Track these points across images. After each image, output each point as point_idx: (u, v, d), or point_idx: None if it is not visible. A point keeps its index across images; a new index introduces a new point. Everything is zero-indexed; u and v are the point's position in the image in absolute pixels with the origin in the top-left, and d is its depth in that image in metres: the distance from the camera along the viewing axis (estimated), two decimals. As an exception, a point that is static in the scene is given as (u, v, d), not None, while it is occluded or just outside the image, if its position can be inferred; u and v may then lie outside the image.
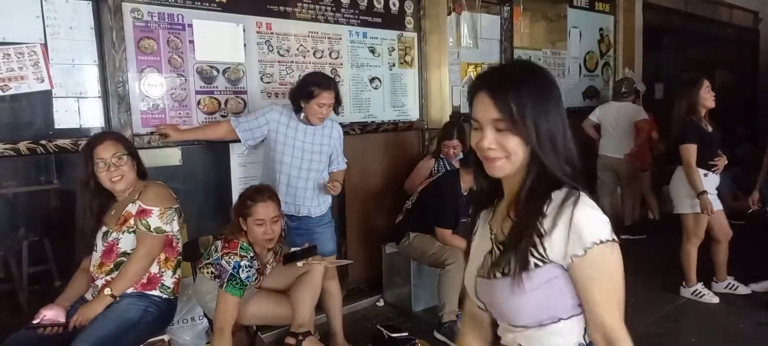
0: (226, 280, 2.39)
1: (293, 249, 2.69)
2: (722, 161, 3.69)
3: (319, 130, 3.03)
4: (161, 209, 2.39)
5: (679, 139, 3.68)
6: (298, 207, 3.03)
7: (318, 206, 3.09)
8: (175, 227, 2.46)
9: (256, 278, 2.48)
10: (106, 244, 2.38)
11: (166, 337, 2.63)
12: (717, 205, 3.72)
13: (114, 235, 2.38)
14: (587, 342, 1.14)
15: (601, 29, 6.06)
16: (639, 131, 5.15)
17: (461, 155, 3.78)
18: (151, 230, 2.37)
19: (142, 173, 2.49)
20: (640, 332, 3.44)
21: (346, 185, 3.89)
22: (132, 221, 2.37)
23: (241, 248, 2.43)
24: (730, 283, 3.97)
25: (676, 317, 3.69)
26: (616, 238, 1.09)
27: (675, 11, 6.73)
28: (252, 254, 2.46)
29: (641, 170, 5.43)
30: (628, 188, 5.47)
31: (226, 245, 2.45)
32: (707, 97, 3.66)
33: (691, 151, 3.62)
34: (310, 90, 2.87)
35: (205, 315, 2.79)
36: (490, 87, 1.13)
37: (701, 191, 3.62)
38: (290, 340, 2.42)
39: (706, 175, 3.66)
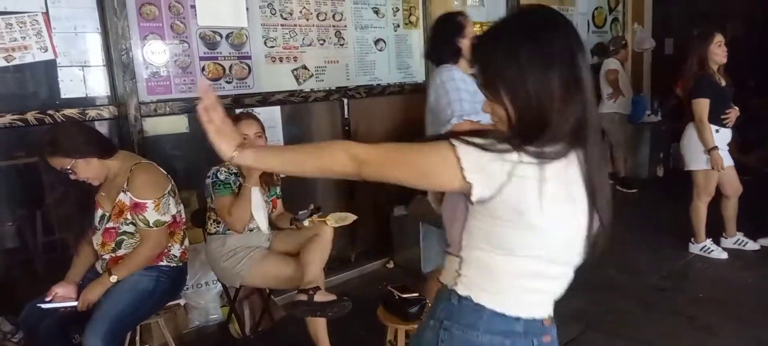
0: (211, 191, 2.56)
1: (300, 212, 2.72)
2: (734, 113, 3.65)
3: None
4: (155, 201, 2.30)
5: (691, 94, 3.64)
6: None
7: None
8: (174, 209, 2.40)
9: (240, 189, 2.59)
10: (104, 228, 2.34)
11: (182, 302, 2.68)
12: (727, 161, 3.70)
13: (112, 223, 2.32)
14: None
15: (609, -16, 5.94)
16: (608, 82, 5.40)
17: None
18: (151, 225, 2.30)
19: (106, 149, 2.31)
20: (649, 285, 3.48)
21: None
22: (128, 215, 2.30)
23: (221, 164, 2.58)
24: (739, 239, 3.98)
25: (685, 272, 3.71)
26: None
27: (686, -37, 6.55)
28: (235, 169, 2.60)
29: None
30: (611, 142, 5.58)
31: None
32: (718, 52, 3.59)
33: (703, 106, 3.58)
34: (458, 21, 2.56)
35: (219, 280, 2.83)
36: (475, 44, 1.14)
37: (712, 147, 3.59)
38: (302, 296, 2.47)
39: (717, 130, 3.62)
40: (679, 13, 6.92)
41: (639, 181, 5.81)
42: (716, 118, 3.61)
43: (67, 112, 2.73)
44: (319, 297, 2.45)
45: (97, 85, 2.87)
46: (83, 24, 2.79)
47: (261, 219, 2.64)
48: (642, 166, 5.93)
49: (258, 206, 2.60)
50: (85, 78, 2.83)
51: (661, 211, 4.84)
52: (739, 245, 3.96)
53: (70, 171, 2.20)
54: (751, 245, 3.95)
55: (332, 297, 2.48)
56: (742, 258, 3.84)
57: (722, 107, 3.62)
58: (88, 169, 2.23)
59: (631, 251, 3.98)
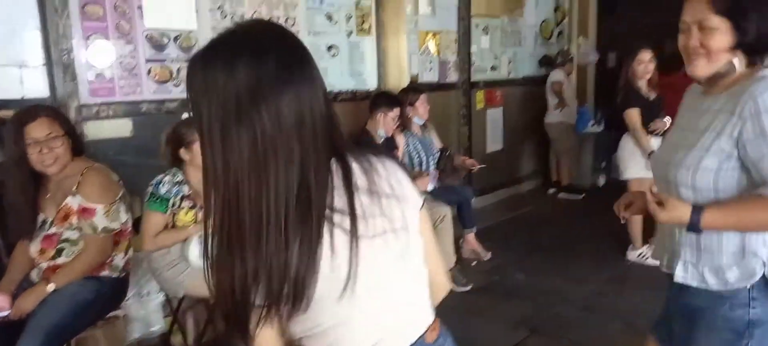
0: (146, 200, 2.42)
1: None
2: (662, 124, 3.84)
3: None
4: (106, 206, 2.20)
5: (622, 106, 3.85)
6: (670, 259, 1.52)
7: (718, 269, 1.42)
8: (123, 217, 2.31)
9: (182, 201, 2.46)
10: (45, 234, 2.23)
11: (121, 313, 2.59)
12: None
13: (55, 229, 2.21)
14: None
15: (556, -3, 6.15)
16: (554, 93, 5.65)
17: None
18: (98, 231, 2.20)
19: (78, 148, 2.27)
20: (591, 291, 3.60)
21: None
22: (74, 219, 2.20)
23: (167, 172, 2.46)
24: (673, 245, 4.17)
25: (623, 278, 3.86)
26: None
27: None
28: (180, 178, 2.45)
29: None
30: (558, 149, 5.86)
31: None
32: (638, 69, 3.82)
33: (634, 115, 3.80)
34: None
35: (162, 289, 2.76)
36: None
37: (651, 151, 3.77)
38: None
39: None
40: (622, 29, 7.21)
41: (581, 190, 6.02)
42: (646, 128, 3.82)
43: (2, 113, 2.60)
44: None
45: (36, 87, 2.75)
46: (22, 22, 2.67)
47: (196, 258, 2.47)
48: (584, 176, 6.14)
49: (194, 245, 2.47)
50: (22, 78, 2.70)
51: (601, 219, 4.99)
52: (674, 251, 4.16)
53: (50, 139, 2.10)
54: (685, 252, 4.15)
55: None
56: (676, 264, 4.03)
57: (649, 118, 3.83)
58: (64, 151, 2.16)
59: (573, 258, 4.12)
